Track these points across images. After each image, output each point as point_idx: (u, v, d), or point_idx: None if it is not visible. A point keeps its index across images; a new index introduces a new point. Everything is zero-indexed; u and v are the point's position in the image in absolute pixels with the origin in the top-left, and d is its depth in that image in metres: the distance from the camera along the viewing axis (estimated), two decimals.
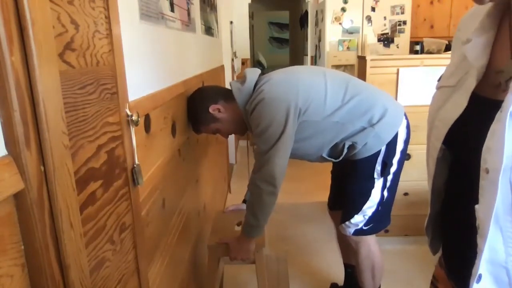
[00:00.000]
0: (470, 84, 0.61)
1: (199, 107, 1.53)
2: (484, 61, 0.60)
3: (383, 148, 1.46)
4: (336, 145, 1.48)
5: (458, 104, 0.62)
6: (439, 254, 0.80)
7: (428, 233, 0.80)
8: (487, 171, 0.54)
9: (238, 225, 1.69)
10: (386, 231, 2.37)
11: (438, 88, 0.71)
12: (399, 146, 1.50)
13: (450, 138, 0.65)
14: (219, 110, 1.52)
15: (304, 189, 3.43)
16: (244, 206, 1.80)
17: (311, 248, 2.49)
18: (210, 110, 1.51)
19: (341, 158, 1.49)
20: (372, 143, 1.45)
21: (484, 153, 0.55)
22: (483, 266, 0.58)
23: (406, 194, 2.36)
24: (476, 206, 0.57)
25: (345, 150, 1.46)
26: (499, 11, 0.60)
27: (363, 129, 1.44)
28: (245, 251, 1.52)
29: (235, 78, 3.97)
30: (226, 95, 1.52)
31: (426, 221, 0.79)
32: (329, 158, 1.52)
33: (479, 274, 0.58)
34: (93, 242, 0.67)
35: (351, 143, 1.45)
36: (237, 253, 1.53)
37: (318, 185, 3.44)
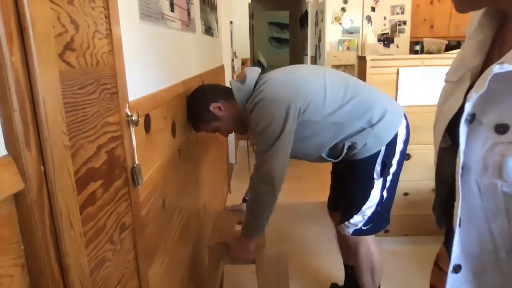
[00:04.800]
0: (466, 83, 0.61)
1: (200, 105, 1.53)
2: (478, 61, 0.60)
3: (383, 149, 1.46)
4: (335, 145, 1.48)
5: (456, 101, 0.63)
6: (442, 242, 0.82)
7: (435, 212, 0.82)
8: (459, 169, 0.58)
9: (238, 223, 1.69)
10: (386, 231, 2.37)
11: (445, 81, 0.73)
12: (399, 147, 1.50)
13: (453, 133, 0.66)
14: (219, 109, 1.52)
15: (304, 189, 3.43)
16: (243, 206, 1.80)
17: (311, 248, 2.49)
18: (211, 108, 1.51)
19: (340, 158, 1.49)
20: (371, 144, 1.45)
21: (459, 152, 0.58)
22: (460, 258, 0.61)
23: (406, 194, 2.36)
24: (455, 203, 0.59)
25: (345, 151, 1.46)
26: (497, 10, 0.60)
27: (363, 129, 1.44)
28: (245, 251, 1.52)
29: (235, 78, 3.97)
30: (227, 93, 1.52)
31: (432, 203, 0.82)
32: (329, 158, 1.52)
33: (458, 265, 0.61)
34: (93, 242, 0.67)
35: (350, 144, 1.45)
36: (237, 253, 1.53)
37: (318, 185, 3.44)
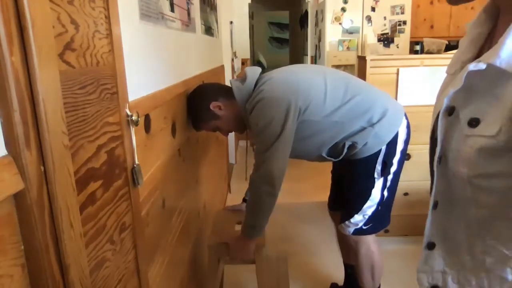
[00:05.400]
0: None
1: (200, 104, 1.53)
2: (470, 55, 0.62)
3: (384, 148, 1.46)
4: (336, 144, 1.48)
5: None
6: None
7: None
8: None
9: (238, 223, 1.69)
10: (386, 231, 2.37)
11: (446, 73, 0.75)
12: (399, 146, 1.50)
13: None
14: (219, 108, 1.52)
15: (304, 189, 3.43)
16: (243, 206, 1.80)
17: (311, 248, 2.49)
18: (211, 107, 1.51)
19: (341, 158, 1.49)
20: (372, 143, 1.45)
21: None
22: (435, 237, 0.67)
23: (406, 194, 2.36)
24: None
25: (345, 150, 1.46)
26: (496, 7, 0.60)
27: (363, 129, 1.44)
28: (245, 251, 1.52)
29: (235, 78, 3.97)
30: (227, 92, 1.52)
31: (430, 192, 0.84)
32: (329, 158, 1.52)
33: (432, 242, 0.68)
34: (93, 242, 0.67)
35: (351, 143, 1.45)
36: (237, 253, 1.53)
37: (318, 185, 3.44)
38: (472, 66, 0.53)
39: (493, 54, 0.51)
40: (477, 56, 0.61)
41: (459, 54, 0.66)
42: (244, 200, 1.86)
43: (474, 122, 0.54)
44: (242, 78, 1.51)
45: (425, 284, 0.71)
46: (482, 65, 0.52)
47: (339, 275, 2.04)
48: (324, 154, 1.51)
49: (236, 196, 2.89)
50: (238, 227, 1.66)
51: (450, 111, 0.59)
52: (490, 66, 0.51)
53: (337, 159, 1.51)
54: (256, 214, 1.45)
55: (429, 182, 0.82)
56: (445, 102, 0.59)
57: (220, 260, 1.67)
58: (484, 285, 0.60)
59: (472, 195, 0.57)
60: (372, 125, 1.43)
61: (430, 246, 0.68)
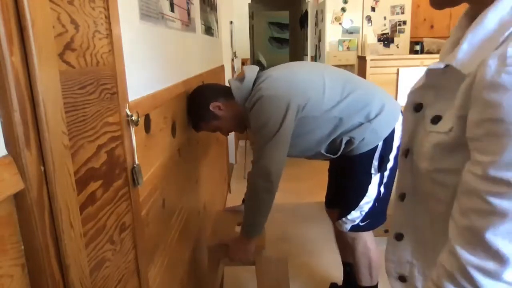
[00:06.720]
0: None
1: (200, 104, 1.53)
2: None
3: (380, 144, 1.47)
4: (334, 140, 1.49)
5: None
6: None
7: None
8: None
9: (238, 225, 1.69)
10: (386, 231, 2.37)
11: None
12: (396, 142, 1.51)
13: None
14: (219, 108, 1.52)
15: (304, 189, 3.42)
16: (242, 208, 1.80)
17: (311, 248, 2.49)
18: (211, 107, 1.51)
19: (339, 154, 1.50)
20: (369, 139, 1.46)
21: None
22: (403, 228, 0.71)
23: None
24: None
25: (343, 146, 1.47)
26: (475, 12, 0.61)
27: (361, 124, 1.45)
28: (245, 252, 1.52)
29: (234, 77, 3.98)
30: (226, 92, 1.53)
31: None
32: (327, 154, 1.53)
33: (400, 233, 0.70)
34: (93, 242, 0.67)
35: (348, 138, 1.46)
36: (236, 254, 1.53)
37: (317, 185, 3.42)
38: (432, 65, 0.57)
39: (453, 55, 0.54)
40: None
41: (441, 57, 0.68)
42: (244, 201, 1.86)
43: (436, 119, 0.57)
44: (241, 77, 1.52)
45: (392, 273, 0.74)
46: (440, 65, 0.56)
47: (339, 275, 2.04)
48: (323, 151, 1.52)
49: (236, 196, 2.89)
50: (237, 229, 1.66)
51: (418, 107, 0.62)
52: (449, 67, 0.54)
53: (335, 156, 1.51)
54: (254, 212, 1.45)
55: None
56: (409, 98, 0.63)
57: (220, 261, 1.67)
58: None
59: (431, 189, 0.59)
60: (370, 120, 1.44)
61: (398, 237, 0.71)
